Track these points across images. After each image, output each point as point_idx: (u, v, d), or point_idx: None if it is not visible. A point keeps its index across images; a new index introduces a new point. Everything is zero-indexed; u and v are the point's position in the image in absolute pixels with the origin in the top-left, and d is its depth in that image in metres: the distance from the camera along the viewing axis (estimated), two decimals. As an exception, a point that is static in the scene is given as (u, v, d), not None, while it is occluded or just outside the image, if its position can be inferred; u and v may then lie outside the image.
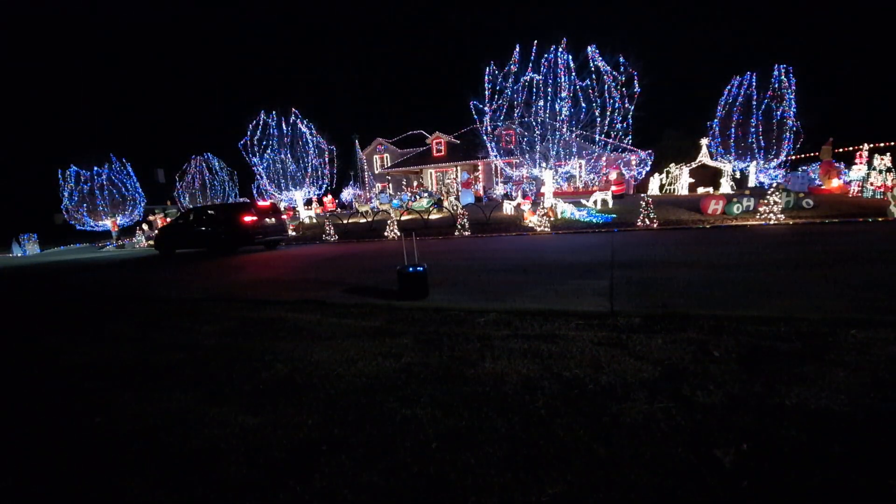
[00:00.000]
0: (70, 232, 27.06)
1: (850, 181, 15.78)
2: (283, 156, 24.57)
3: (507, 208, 18.25)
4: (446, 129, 33.40)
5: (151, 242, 19.62)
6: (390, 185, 33.47)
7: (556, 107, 16.95)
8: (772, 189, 12.21)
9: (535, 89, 17.43)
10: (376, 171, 36.44)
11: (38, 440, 2.45)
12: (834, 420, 2.03)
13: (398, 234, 15.35)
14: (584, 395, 2.44)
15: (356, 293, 5.93)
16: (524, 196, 19.26)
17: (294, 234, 19.02)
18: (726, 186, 20.03)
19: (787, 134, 19.14)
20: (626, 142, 19.12)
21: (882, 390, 2.27)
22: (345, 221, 19.70)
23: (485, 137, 19.36)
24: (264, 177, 25.21)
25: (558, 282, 5.75)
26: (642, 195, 16.15)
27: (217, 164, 30.53)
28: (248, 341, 3.96)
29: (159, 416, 2.59)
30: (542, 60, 17.12)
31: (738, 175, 20.88)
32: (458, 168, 31.51)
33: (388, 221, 16.20)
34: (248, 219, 13.80)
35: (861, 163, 15.71)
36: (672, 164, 22.78)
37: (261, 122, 24.66)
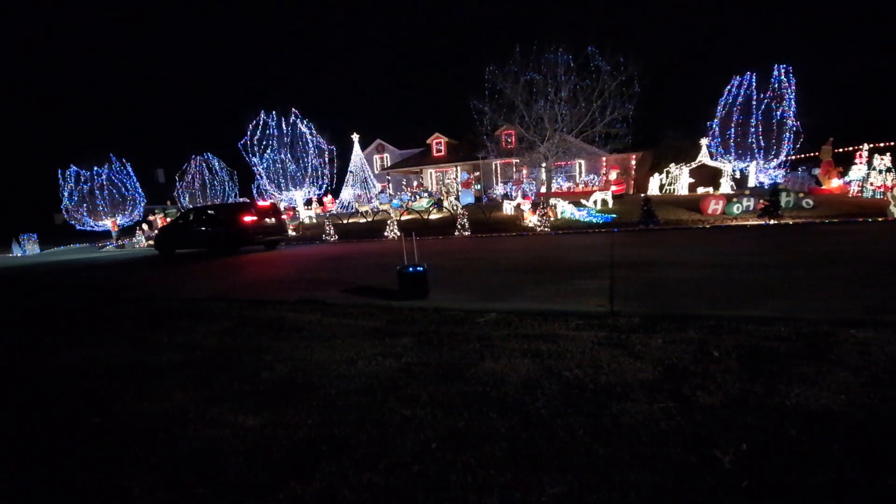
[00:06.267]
0: (70, 232, 26.98)
1: (850, 181, 15.77)
2: (283, 156, 24.60)
3: (507, 208, 18.23)
4: (446, 129, 33.23)
5: (151, 242, 19.60)
6: (390, 185, 33.40)
7: (556, 107, 16.96)
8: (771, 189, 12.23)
9: (535, 89, 17.43)
10: (376, 171, 36.40)
11: (38, 441, 2.44)
12: (834, 420, 2.02)
13: (398, 234, 15.33)
14: (584, 395, 2.44)
15: (356, 293, 5.93)
16: (524, 196, 19.24)
17: (294, 234, 19.00)
18: (726, 186, 20.01)
19: (787, 134, 19.13)
20: (625, 142, 19.12)
21: (882, 390, 2.27)
22: (345, 221, 19.69)
23: (485, 137, 19.34)
24: (264, 177, 25.24)
25: (558, 282, 5.74)
26: (642, 195, 16.14)
27: (217, 164, 30.50)
28: (248, 341, 3.96)
29: (159, 416, 2.59)
30: (543, 60, 17.13)
31: (738, 175, 20.84)
32: (458, 168, 31.46)
33: (388, 221, 16.18)
34: (248, 219, 13.79)
35: (861, 163, 15.70)
36: (672, 164, 22.70)
37: (261, 122, 24.71)
